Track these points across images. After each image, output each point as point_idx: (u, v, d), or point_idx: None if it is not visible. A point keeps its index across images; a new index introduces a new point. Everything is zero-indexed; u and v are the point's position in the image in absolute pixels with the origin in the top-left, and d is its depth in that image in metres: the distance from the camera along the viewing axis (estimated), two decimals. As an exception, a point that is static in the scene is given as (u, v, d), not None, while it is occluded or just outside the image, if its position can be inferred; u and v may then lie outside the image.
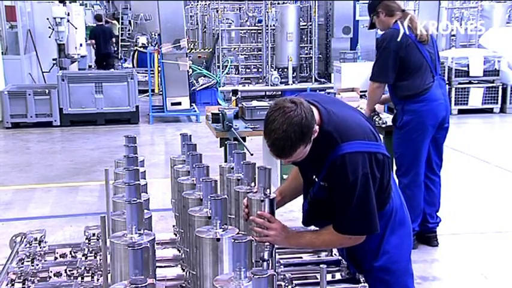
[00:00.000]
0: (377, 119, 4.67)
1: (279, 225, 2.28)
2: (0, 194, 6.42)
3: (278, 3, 13.26)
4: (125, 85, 10.43)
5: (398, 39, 4.33)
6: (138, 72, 11.96)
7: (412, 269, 2.58)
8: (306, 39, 13.39)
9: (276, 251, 2.40)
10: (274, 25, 12.63)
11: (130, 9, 22.19)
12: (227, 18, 14.34)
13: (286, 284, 2.32)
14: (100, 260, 2.54)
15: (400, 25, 4.37)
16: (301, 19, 13.13)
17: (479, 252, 4.71)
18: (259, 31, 13.68)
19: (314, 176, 2.35)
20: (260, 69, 13.51)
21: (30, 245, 2.86)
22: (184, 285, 2.38)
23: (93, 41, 15.07)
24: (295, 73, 12.62)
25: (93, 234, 2.90)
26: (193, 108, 11.06)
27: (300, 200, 2.56)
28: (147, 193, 2.53)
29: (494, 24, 13.44)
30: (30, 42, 12.65)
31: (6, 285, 2.44)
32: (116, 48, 19.62)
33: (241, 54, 13.83)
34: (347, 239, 2.32)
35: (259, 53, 13.63)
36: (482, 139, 9.26)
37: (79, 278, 2.44)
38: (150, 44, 17.31)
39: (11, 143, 9.27)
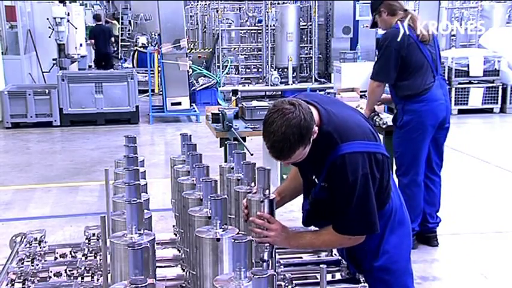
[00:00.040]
0: (377, 119, 4.66)
1: (278, 226, 2.29)
2: (0, 194, 6.42)
3: (278, 3, 13.26)
4: (124, 85, 10.43)
5: (398, 39, 4.33)
6: (138, 72, 11.96)
7: (412, 269, 2.58)
8: (306, 39, 13.39)
9: (276, 251, 2.40)
10: (274, 25, 12.64)
11: (130, 9, 22.18)
12: (227, 18, 14.34)
13: (286, 284, 2.32)
14: (100, 260, 2.54)
15: (400, 25, 4.37)
16: (301, 19, 13.13)
17: (479, 252, 4.71)
18: (259, 31, 13.68)
19: (314, 177, 2.35)
20: (260, 69, 13.51)
21: (30, 245, 2.86)
22: (184, 285, 2.38)
23: (93, 41, 15.09)
24: (295, 73, 12.62)
25: (93, 234, 2.90)
26: (193, 108, 11.06)
27: (299, 199, 2.56)
28: (147, 193, 2.53)
29: (494, 24, 13.44)
30: (30, 42, 12.65)
31: (6, 285, 2.44)
32: (115, 48, 19.64)
33: (241, 54, 13.83)
34: (347, 239, 2.32)
35: (259, 53, 13.63)
36: (482, 139, 9.26)
37: (79, 278, 2.44)
38: (150, 44, 17.30)
39: (11, 143, 9.27)
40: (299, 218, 2.55)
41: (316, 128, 2.18)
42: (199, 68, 12.53)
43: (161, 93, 11.30)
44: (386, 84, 4.65)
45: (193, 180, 2.49)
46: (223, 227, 1.92)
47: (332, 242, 2.40)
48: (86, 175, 7.17)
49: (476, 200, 6.01)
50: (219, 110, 4.88)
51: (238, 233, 1.91)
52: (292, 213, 4.66)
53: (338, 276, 2.51)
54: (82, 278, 2.44)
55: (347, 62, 11.24)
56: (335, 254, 2.68)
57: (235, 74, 12.98)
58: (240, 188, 2.43)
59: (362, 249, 2.38)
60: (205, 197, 2.13)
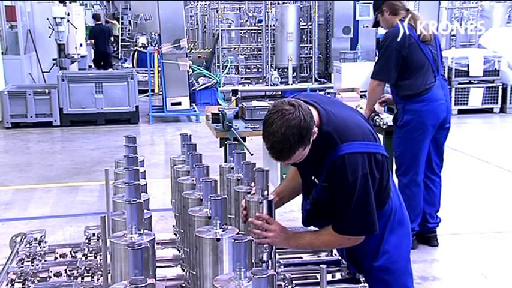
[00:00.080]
0: (377, 119, 4.66)
1: (277, 227, 2.29)
2: (0, 194, 6.42)
3: (278, 3, 13.26)
4: (124, 85, 10.43)
5: (398, 39, 4.34)
6: (138, 72, 11.95)
7: (412, 269, 2.59)
8: (306, 39, 13.39)
9: (276, 251, 2.41)
10: (274, 25, 12.64)
11: (130, 9, 22.18)
12: (227, 18, 14.34)
13: (286, 284, 2.32)
14: (100, 260, 2.54)
15: (400, 25, 4.38)
16: (301, 19, 13.13)
17: (479, 252, 4.71)
18: (259, 31, 13.68)
19: (313, 177, 2.35)
20: (260, 69, 13.51)
21: (30, 245, 2.86)
22: (184, 285, 2.38)
23: (93, 41, 15.09)
24: (295, 73, 12.62)
25: (93, 234, 2.90)
26: (193, 108, 11.06)
27: (299, 199, 2.56)
28: (147, 193, 2.53)
29: (494, 24, 13.44)
30: (30, 42, 12.65)
31: (6, 285, 2.44)
32: (115, 48, 19.64)
33: (241, 54, 13.83)
34: (346, 240, 2.32)
35: (259, 53, 13.63)
36: (482, 139, 9.25)
37: (79, 278, 2.44)
38: (150, 44, 17.31)
39: (11, 143, 9.27)
40: (299, 218, 2.56)
41: (315, 129, 2.18)
42: (199, 68, 12.53)
43: (161, 93, 11.30)
44: (387, 85, 4.66)
45: (193, 180, 2.49)
46: (223, 227, 1.92)
47: (331, 242, 2.40)
48: (86, 175, 7.17)
49: (476, 200, 6.01)
50: (219, 110, 4.88)
51: (238, 233, 1.91)
52: (292, 213, 4.66)
53: (338, 276, 2.51)
54: (82, 278, 2.44)
55: (347, 62, 11.24)
56: (335, 254, 2.68)
57: (235, 74, 12.98)
58: (240, 188, 2.43)
59: (362, 249, 2.38)
60: (205, 197, 2.13)
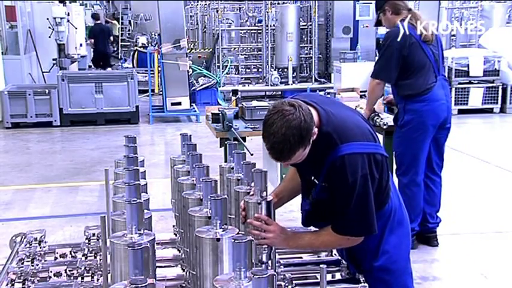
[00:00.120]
0: (377, 119, 4.67)
1: (276, 227, 2.28)
2: (0, 194, 6.42)
3: (278, 3, 13.26)
4: (125, 85, 10.43)
5: (398, 39, 4.34)
6: (138, 72, 11.96)
7: (412, 269, 2.59)
8: (306, 39, 13.39)
9: (276, 251, 2.41)
10: (274, 25, 12.64)
11: (130, 9, 22.19)
12: (227, 18, 14.34)
13: (286, 284, 2.32)
14: (100, 260, 2.54)
15: (400, 25, 4.38)
16: (301, 19, 13.13)
17: (479, 252, 4.71)
18: (259, 31, 13.68)
19: (313, 177, 2.35)
20: (260, 69, 13.51)
21: (30, 245, 2.86)
22: (184, 285, 2.38)
23: (93, 41, 15.09)
24: (295, 73, 12.62)
25: (93, 234, 2.90)
26: (193, 108, 11.06)
27: (299, 199, 2.56)
28: (147, 193, 2.53)
29: (494, 24, 13.44)
30: (30, 42, 12.65)
31: (6, 285, 2.44)
32: (115, 48, 19.64)
33: (241, 54, 13.83)
34: (346, 240, 2.32)
35: (259, 53, 13.63)
36: (482, 139, 9.25)
37: (79, 278, 2.44)
38: (150, 44, 17.31)
39: (11, 143, 9.27)
40: (299, 218, 2.56)
41: (315, 129, 2.18)
42: (199, 68, 12.53)
43: (161, 93, 11.30)
44: (387, 85, 4.65)
45: (193, 180, 2.49)
46: (223, 227, 1.92)
47: (331, 243, 2.40)
48: (86, 175, 7.17)
49: (476, 200, 6.01)
50: (219, 110, 4.87)
51: (238, 233, 1.91)
52: (292, 213, 4.66)
53: (338, 276, 2.51)
54: (82, 278, 2.44)
55: (347, 62, 11.25)
56: (335, 254, 2.68)
57: (235, 74, 12.98)
58: (240, 188, 2.43)
59: (362, 249, 2.38)
60: (205, 197, 2.13)
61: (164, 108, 10.79)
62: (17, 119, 10.24)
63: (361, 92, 6.17)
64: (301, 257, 2.70)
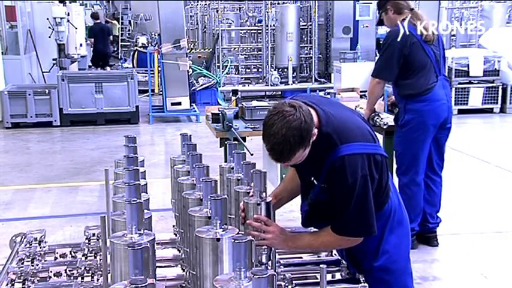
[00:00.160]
0: (377, 119, 4.67)
1: (276, 228, 2.28)
2: (0, 194, 6.42)
3: (278, 3, 13.27)
4: (125, 85, 10.43)
5: (398, 39, 4.34)
6: (138, 72, 11.96)
7: (411, 269, 2.59)
8: (306, 39, 13.39)
9: (276, 251, 2.41)
10: (274, 25, 12.64)
11: (130, 9, 22.18)
12: (227, 18, 14.34)
13: (286, 284, 2.32)
14: (100, 260, 2.54)
15: (400, 25, 4.38)
16: (301, 19, 13.13)
17: (479, 252, 4.71)
18: (259, 31, 13.68)
19: (312, 178, 2.35)
20: (260, 69, 13.51)
21: (30, 245, 2.86)
22: (184, 285, 2.38)
23: (92, 40, 15.10)
24: (295, 73, 12.62)
25: (93, 234, 2.90)
26: (193, 108, 11.06)
27: (300, 199, 2.56)
28: (147, 193, 2.53)
29: (494, 24, 13.44)
30: (30, 42, 12.65)
31: (6, 285, 2.43)
32: (115, 48, 19.63)
33: (241, 54, 13.83)
34: (345, 241, 2.32)
35: (259, 53, 13.63)
36: (482, 139, 9.26)
37: (79, 278, 2.44)
38: (150, 44, 17.31)
39: (11, 143, 9.27)
40: (299, 218, 2.55)
41: (315, 130, 2.18)
42: (199, 68, 12.53)
43: (161, 93, 11.30)
44: (388, 85, 4.65)
45: (193, 180, 2.48)
46: (223, 227, 1.92)
47: (330, 243, 2.40)
48: (86, 175, 7.17)
49: (476, 200, 6.01)
50: (219, 110, 4.87)
51: (238, 233, 1.91)
52: (292, 213, 4.66)
53: (338, 276, 2.51)
54: (82, 278, 2.44)
55: (347, 62, 11.26)
56: (335, 254, 2.68)
57: (235, 74, 12.98)
58: (240, 188, 2.43)
59: (362, 249, 2.38)
60: (205, 197, 2.13)
61: (164, 108, 10.79)
62: (17, 119, 10.24)
63: (361, 92, 6.18)
64: (301, 257, 2.70)
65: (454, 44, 14.08)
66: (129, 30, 21.55)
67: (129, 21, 21.76)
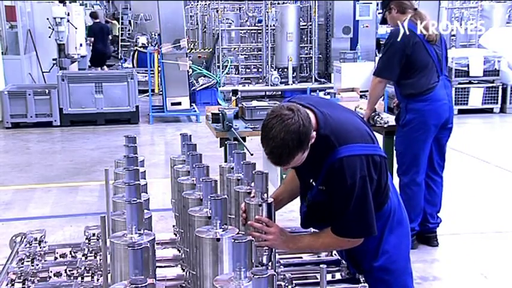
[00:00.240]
0: (378, 119, 4.67)
1: (277, 229, 2.28)
2: (0, 194, 6.42)
3: (278, 3, 13.26)
4: (125, 85, 10.43)
5: (398, 39, 4.34)
6: (138, 72, 11.95)
7: (411, 269, 2.59)
8: (306, 39, 13.38)
9: (276, 251, 2.41)
10: (274, 25, 12.64)
11: (130, 9, 22.18)
12: (227, 18, 14.33)
13: (286, 284, 2.32)
14: (100, 260, 2.54)
15: (400, 25, 4.38)
16: (301, 19, 13.13)
17: (479, 252, 4.71)
18: (259, 31, 13.68)
19: (311, 180, 2.35)
20: (260, 69, 13.51)
21: (30, 245, 2.86)
22: (184, 285, 2.38)
23: (92, 39, 15.10)
24: (295, 73, 12.62)
25: (93, 234, 2.90)
26: (193, 108, 11.06)
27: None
28: (147, 193, 2.53)
29: (494, 24, 13.44)
30: (30, 42, 12.64)
31: (6, 285, 2.43)
32: (116, 48, 19.63)
33: (241, 54, 13.82)
34: (346, 242, 2.33)
35: (259, 53, 13.63)
36: (482, 139, 9.26)
37: (79, 278, 2.44)
38: (150, 44, 17.30)
39: (11, 143, 9.27)
40: (299, 218, 2.56)
41: (314, 133, 2.18)
42: (199, 68, 12.52)
43: (161, 93, 11.30)
44: (389, 86, 4.66)
45: (193, 180, 2.48)
46: (223, 227, 1.92)
47: (331, 245, 2.40)
48: (86, 175, 7.17)
49: (476, 200, 6.01)
50: (219, 110, 4.88)
51: (238, 233, 1.91)
52: (292, 213, 4.64)
53: (338, 276, 2.51)
54: (82, 278, 2.44)
55: (347, 62, 11.24)
56: (335, 254, 2.68)
57: (235, 74, 12.97)
58: (240, 188, 2.43)
59: (361, 249, 2.38)
60: (205, 197, 2.13)
61: (164, 108, 10.79)
62: (17, 119, 10.24)
63: (361, 92, 6.18)
64: (301, 257, 2.70)
65: (454, 44, 14.07)
66: (129, 30, 21.55)
67: (129, 21, 21.76)
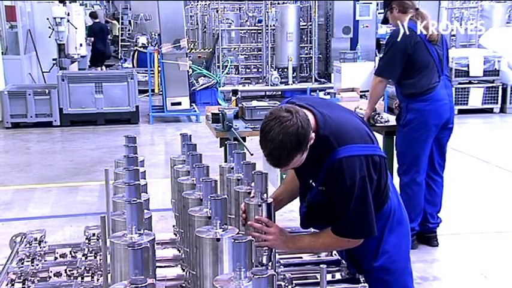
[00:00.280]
0: (378, 118, 4.67)
1: (277, 230, 2.28)
2: (0, 194, 6.42)
3: (278, 3, 13.26)
4: (125, 85, 10.43)
5: (398, 39, 4.34)
6: (138, 72, 11.95)
7: (411, 269, 2.59)
8: (306, 39, 13.38)
9: (276, 251, 2.41)
10: (274, 25, 12.63)
11: (130, 9, 22.18)
12: (227, 18, 14.33)
13: (286, 284, 2.32)
14: (100, 260, 2.54)
15: (400, 25, 4.38)
16: (301, 19, 13.12)
17: (479, 252, 4.71)
18: (259, 31, 13.67)
19: (311, 180, 2.35)
20: (260, 69, 13.50)
21: (30, 245, 2.86)
22: (184, 285, 2.38)
23: (92, 39, 15.10)
24: (295, 73, 12.61)
25: (93, 234, 2.90)
26: (193, 108, 11.06)
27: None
28: (147, 193, 2.53)
29: (494, 24, 13.44)
30: (30, 42, 12.64)
31: (6, 285, 2.43)
32: (116, 48, 19.63)
33: (241, 54, 13.82)
34: (346, 242, 2.33)
35: (259, 53, 13.63)
36: (482, 139, 9.26)
37: (79, 278, 2.44)
38: (150, 44, 17.30)
39: (11, 143, 9.27)
40: (299, 218, 2.55)
41: (313, 134, 2.18)
42: (199, 68, 12.52)
43: (161, 93, 11.30)
44: (390, 86, 4.66)
45: (193, 180, 2.48)
46: (223, 227, 1.92)
47: (331, 245, 2.40)
48: (86, 175, 7.17)
49: (476, 200, 6.01)
50: (219, 110, 4.88)
51: (238, 233, 1.91)
52: (292, 213, 4.64)
53: (338, 276, 2.51)
54: (82, 278, 2.44)
55: (347, 62, 11.23)
56: (335, 254, 2.68)
57: (235, 74, 12.97)
58: (240, 188, 2.43)
59: (361, 249, 2.38)
60: (205, 197, 2.13)
61: (164, 108, 10.79)
62: (17, 119, 10.24)
63: (361, 92, 6.18)
64: (301, 257, 2.70)
65: (454, 44, 14.07)
66: (129, 30, 21.55)
67: (129, 21, 21.76)
